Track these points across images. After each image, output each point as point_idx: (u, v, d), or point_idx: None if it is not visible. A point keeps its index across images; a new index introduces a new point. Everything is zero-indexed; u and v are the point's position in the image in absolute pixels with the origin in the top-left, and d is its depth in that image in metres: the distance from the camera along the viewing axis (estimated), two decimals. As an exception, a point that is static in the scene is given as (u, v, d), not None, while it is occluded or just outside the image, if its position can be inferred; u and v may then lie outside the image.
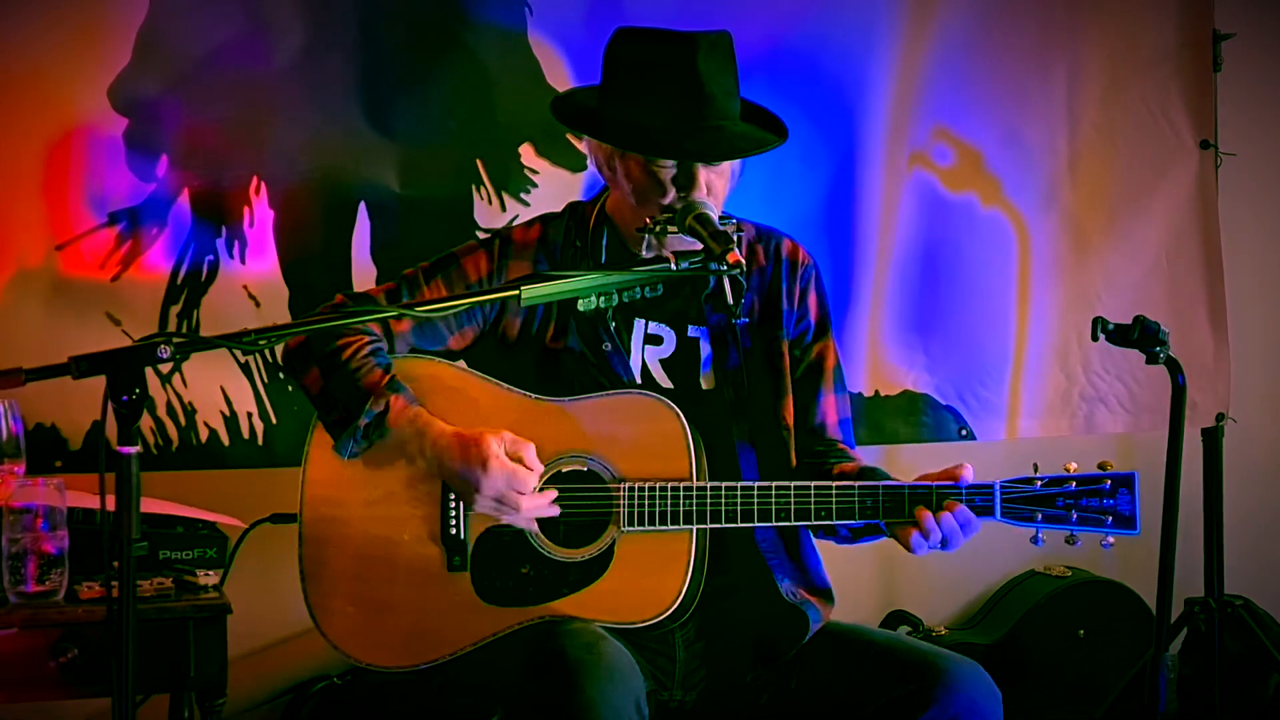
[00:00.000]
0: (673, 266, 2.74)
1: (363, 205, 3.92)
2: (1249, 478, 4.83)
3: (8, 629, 2.96)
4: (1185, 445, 3.44)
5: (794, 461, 3.12)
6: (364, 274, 3.89)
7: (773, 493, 2.90)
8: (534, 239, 3.15)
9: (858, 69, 4.30)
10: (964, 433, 4.46)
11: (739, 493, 2.90)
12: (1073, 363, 4.56)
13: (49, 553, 3.00)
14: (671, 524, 2.90)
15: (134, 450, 2.28)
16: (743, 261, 2.73)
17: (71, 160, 3.70)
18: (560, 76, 4.00)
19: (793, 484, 2.90)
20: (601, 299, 3.05)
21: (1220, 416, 4.57)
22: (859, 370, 4.34)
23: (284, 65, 3.84)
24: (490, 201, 4.00)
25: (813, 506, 2.90)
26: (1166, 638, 3.55)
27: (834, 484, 2.90)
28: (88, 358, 2.29)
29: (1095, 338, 3.35)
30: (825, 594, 3.13)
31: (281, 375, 3.81)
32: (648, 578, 2.90)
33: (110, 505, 2.29)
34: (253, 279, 3.84)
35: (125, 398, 2.28)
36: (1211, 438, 4.47)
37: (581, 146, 3.90)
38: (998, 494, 2.88)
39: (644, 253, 3.03)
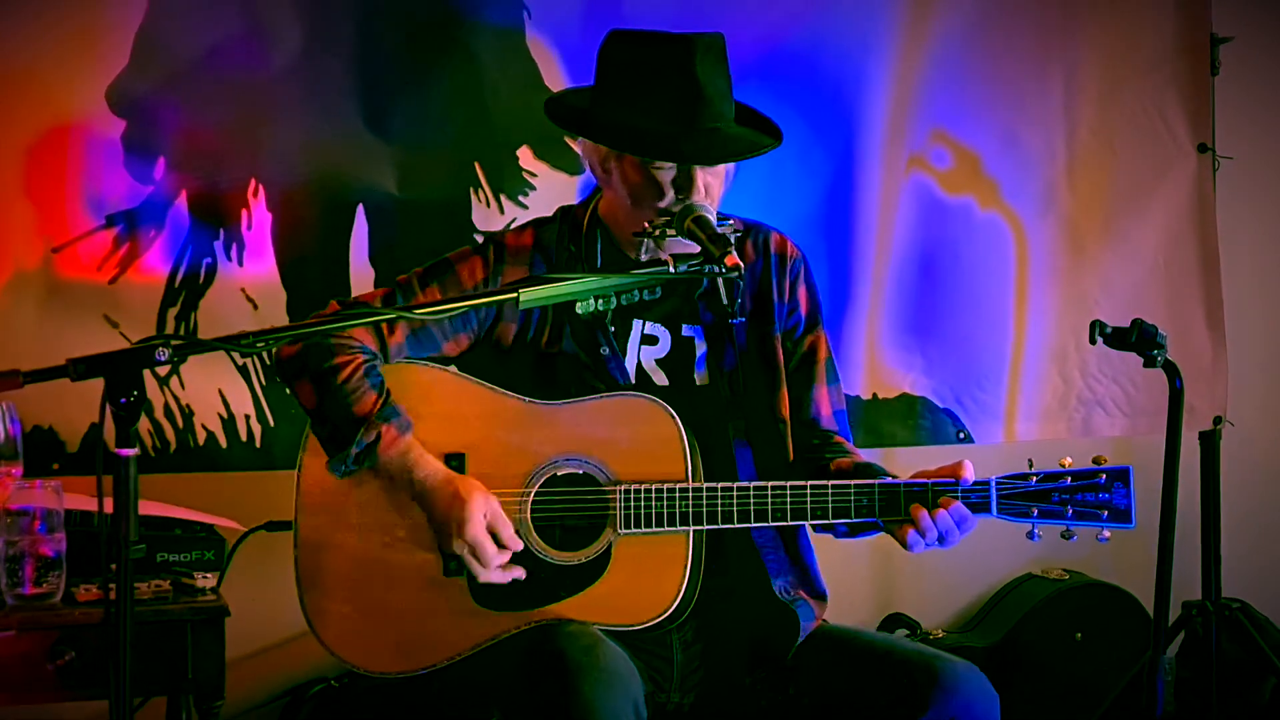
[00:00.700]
0: (671, 269, 2.74)
1: (361, 208, 3.92)
2: (1246, 481, 4.83)
3: (5, 631, 2.96)
4: (1183, 448, 3.44)
5: (791, 455, 3.11)
6: (362, 277, 3.89)
7: (768, 493, 2.90)
8: (528, 244, 3.14)
9: (856, 72, 4.30)
10: (961, 435, 4.46)
11: (735, 493, 2.90)
12: (1070, 366, 4.56)
13: (46, 555, 3.00)
14: (668, 526, 2.90)
15: (132, 452, 2.28)
16: (741, 265, 2.73)
17: (69, 162, 3.70)
18: (558, 79, 4.00)
19: (788, 484, 2.90)
20: (600, 302, 3.05)
21: (1218, 420, 4.57)
22: (857, 373, 4.34)
23: (282, 68, 3.84)
24: (488, 204, 3.99)
25: (809, 506, 2.90)
26: (1164, 641, 3.55)
27: (830, 483, 2.90)
28: (85, 360, 2.28)
29: (1093, 341, 3.35)
30: (819, 593, 3.13)
31: (279, 378, 3.81)
32: (645, 580, 2.90)
33: (108, 507, 2.28)
34: (250, 281, 3.84)
35: (123, 400, 2.28)
36: (1209, 441, 4.47)
37: (577, 148, 3.90)
38: (993, 490, 2.89)
39: (641, 255, 3.03)
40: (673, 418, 2.93)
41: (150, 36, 3.73)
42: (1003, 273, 4.51)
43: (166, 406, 3.77)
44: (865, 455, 3.18)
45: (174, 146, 3.76)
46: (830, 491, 2.90)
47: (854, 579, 4.46)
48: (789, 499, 2.90)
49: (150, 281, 3.77)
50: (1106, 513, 2.90)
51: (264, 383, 3.85)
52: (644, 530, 2.90)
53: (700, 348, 3.12)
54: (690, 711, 3.05)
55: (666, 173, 2.98)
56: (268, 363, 3.84)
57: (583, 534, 2.94)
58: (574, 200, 3.35)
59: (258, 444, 3.85)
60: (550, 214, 3.22)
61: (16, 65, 3.65)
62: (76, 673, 3.01)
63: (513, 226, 3.26)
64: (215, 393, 3.82)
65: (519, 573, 2.92)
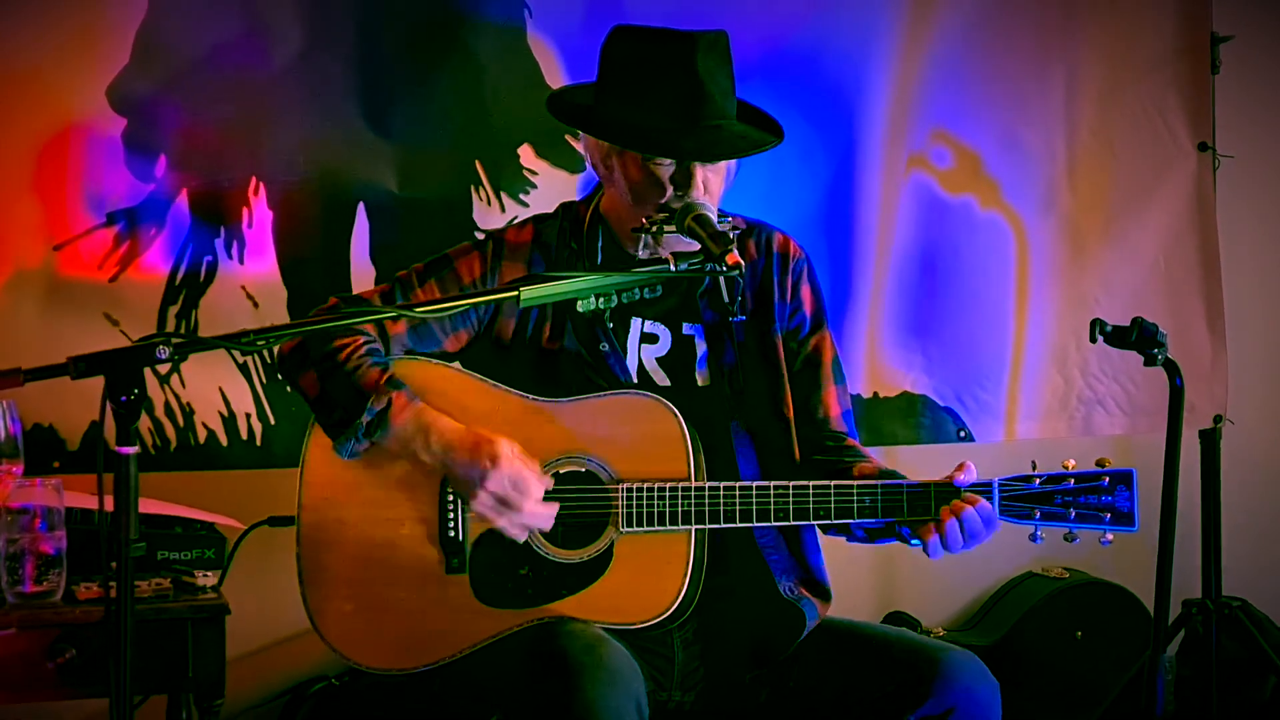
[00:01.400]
0: (671, 268, 2.74)
1: (361, 206, 3.92)
2: (1247, 479, 4.83)
3: (5, 629, 2.96)
4: (1183, 447, 3.44)
5: (797, 453, 3.11)
6: (363, 275, 3.89)
7: (771, 493, 2.90)
8: (527, 240, 3.14)
9: (856, 71, 4.30)
10: (962, 434, 4.46)
11: (737, 493, 2.90)
12: (1071, 365, 4.56)
13: (47, 553, 3.00)
14: (670, 525, 2.90)
15: (132, 450, 2.28)
16: (742, 263, 2.73)
17: (70, 160, 3.70)
18: (559, 77, 4.00)
19: (791, 484, 2.90)
20: (600, 300, 3.04)
21: (1218, 418, 4.57)
22: (857, 372, 4.34)
23: (283, 66, 3.83)
24: (489, 202, 3.99)
25: (811, 506, 2.90)
26: (1164, 639, 3.55)
27: (832, 483, 2.90)
28: (86, 358, 2.28)
29: (1093, 339, 3.35)
30: (823, 591, 3.13)
31: (280, 376, 3.81)
32: (647, 578, 2.90)
33: (108, 506, 2.28)
34: (251, 280, 3.84)
35: (124, 398, 2.28)
36: (1209, 439, 4.47)
37: (579, 146, 3.90)
38: (996, 492, 2.89)
39: (640, 252, 3.03)
40: (675, 416, 2.93)
41: (151, 35, 3.73)
42: (1003, 272, 4.51)
43: (167, 404, 3.77)
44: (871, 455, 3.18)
45: (175, 145, 3.76)
46: (834, 492, 2.90)
47: (855, 577, 4.46)
48: (791, 499, 2.90)
49: (151, 279, 3.77)
50: (1109, 515, 2.90)
51: (264, 381, 3.85)
52: (646, 529, 2.90)
53: (701, 347, 3.12)
54: (691, 710, 3.05)
55: (666, 169, 2.98)
56: (268, 361, 3.84)
57: (585, 532, 2.94)
58: (575, 198, 3.35)
59: (258, 442, 3.85)
60: (551, 210, 3.22)
61: (17, 64, 3.65)
62: (77, 671, 3.01)
63: (513, 223, 3.25)
64: (216, 391, 3.82)
65: (554, 508, 2.90)
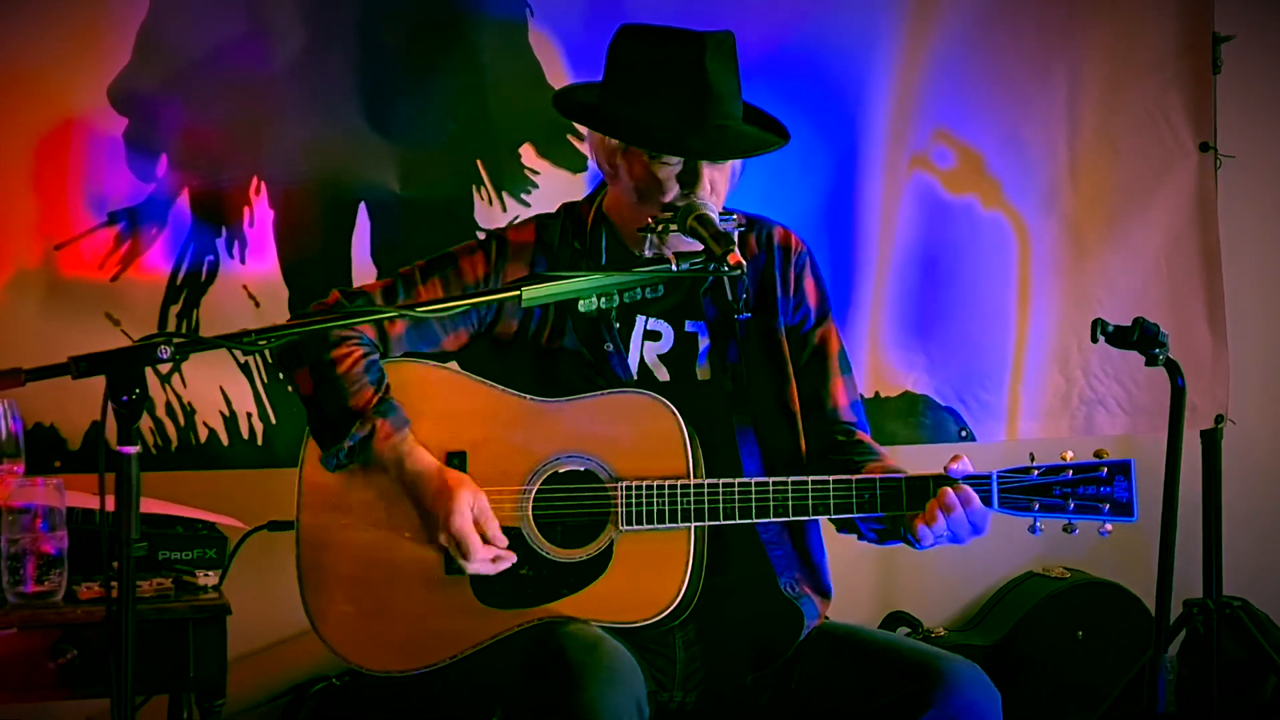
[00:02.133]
0: (674, 267, 2.74)
1: (363, 206, 3.92)
2: (1248, 479, 4.83)
3: (7, 629, 2.96)
4: (1184, 447, 3.44)
5: (803, 447, 3.11)
6: (364, 274, 3.89)
7: (770, 489, 2.90)
8: (530, 240, 3.14)
9: (858, 71, 4.30)
10: (964, 434, 4.46)
11: (736, 489, 2.90)
12: (1072, 364, 4.56)
13: (48, 553, 3.00)
14: (669, 523, 2.90)
15: (133, 450, 2.28)
16: (744, 263, 2.73)
17: (71, 159, 3.70)
18: (561, 76, 4.00)
19: (790, 479, 2.90)
20: (602, 300, 3.05)
21: (1219, 418, 4.57)
22: (859, 371, 4.32)
23: (284, 66, 3.84)
24: (491, 202, 3.99)
25: (810, 502, 2.90)
26: (1165, 639, 3.55)
27: (831, 478, 2.90)
28: (87, 358, 2.29)
29: (1095, 339, 3.35)
30: (824, 589, 3.13)
31: (281, 375, 3.81)
32: (647, 577, 2.90)
33: (109, 505, 2.29)
34: (253, 279, 3.84)
35: (125, 398, 2.28)
36: (1210, 439, 4.47)
37: (582, 147, 3.91)
38: (995, 484, 2.88)
39: (645, 252, 3.03)
40: (673, 414, 2.93)
41: (152, 34, 3.73)
42: (1005, 272, 4.51)
43: (168, 404, 3.77)
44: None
45: (176, 144, 3.76)
46: (832, 487, 2.90)
47: (856, 577, 4.46)
48: (790, 495, 2.90)
49: (152, 279, 3.77)
50: (1108, 506, 2.90)
51: (266, 380, 3.85)
52: (645, 527, 2.90)
53: (703, 342, 3.12)
54: (693, 710, 3.05)
55: (673, 168, 2.98)
56: (269, 361, 3.84)
57: (584, 531, 2.94)
58: (577, 198, 3.34)
59: (259, 442, 3.85)
60: (554, 211, 3.22)
61: (19, 63, 3.65)
62: (78, 671, 3.01)
63: (515, 222, 3.25)
64: (217, 390, 3.82)
65: (507, 562, 2.92)
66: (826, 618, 3.12)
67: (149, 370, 2.32)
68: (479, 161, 3.99)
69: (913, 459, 4.30)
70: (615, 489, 2.92)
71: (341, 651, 2.96)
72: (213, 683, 3.12)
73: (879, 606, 4.64)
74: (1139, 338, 3.33)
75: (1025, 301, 4.52)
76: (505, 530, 2.93)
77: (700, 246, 2.78)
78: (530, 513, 2.95)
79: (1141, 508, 2.92)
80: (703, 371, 3.11)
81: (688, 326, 3.12)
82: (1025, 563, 4.80)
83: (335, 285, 3.62)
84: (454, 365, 3.11)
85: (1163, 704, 3.52)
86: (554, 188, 3.98)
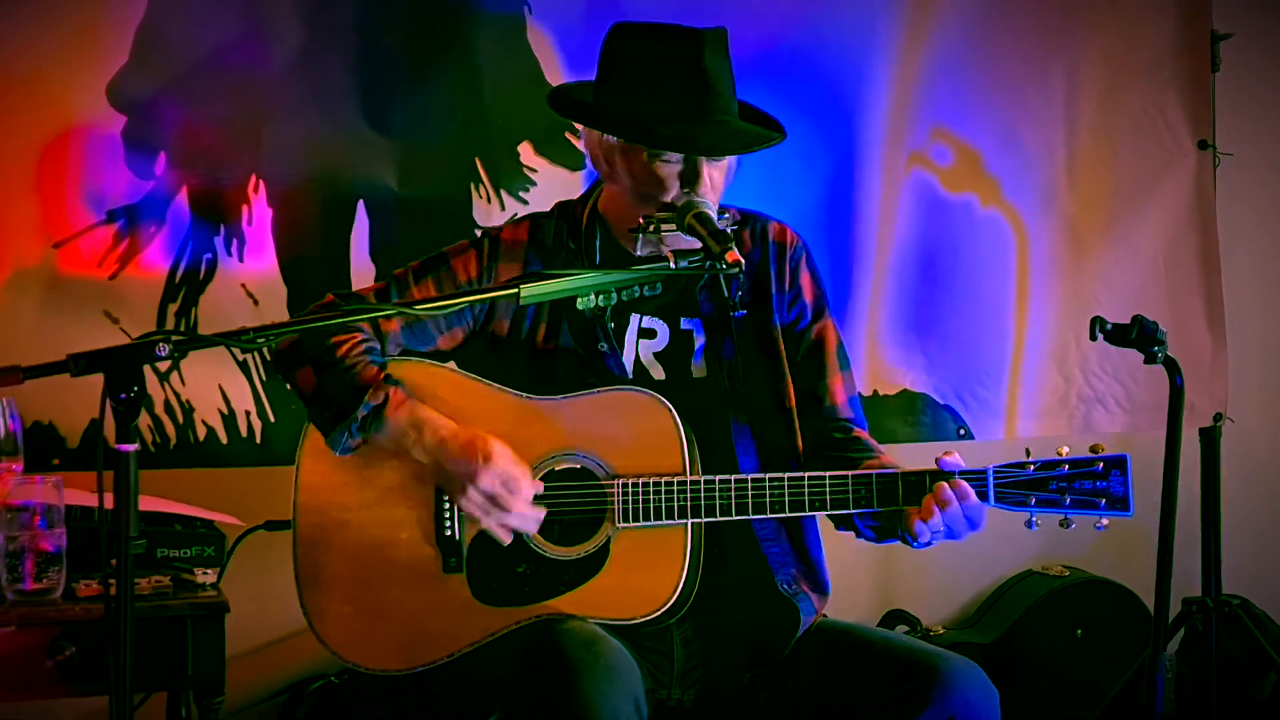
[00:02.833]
0: (672, 265, 2.74)
1: (361, 204, 3.92)
2: (1247, 478, 4.83)
3: (5, 627, 2.96)
4: (1183, 445, 3.44)
5: (800, 444, 3.11)
6: (363, 273, 3.89)
7: (766, 485, 2.90)
8: (524, 239, 3.14)
9: (857, 69, 4.30)
10: (962, 432, 4.46)
11: (732, 486, 2.90)
12: (1071, 363, 4.56)
13: (47, 550, 3.00)
14: (666, 519, 2.90)
15: (132, 448, 2.28)
16: (742, 261, 2.73)
17: (69, 158, 3.71)
18: (559, 74, 4.00)
19: (786, 475, 2.90)
20: (600, 298, 3.04)
21: (1218, 416, 4.57)
22: (857, 370, 4.30)
23: (283, 64, 3.84)
24: (489, 200, 4.00)
25: (806, 498, 2.90)
26: (1164, 637, 3.55)
27: (827, 474, 2.90)
28: (86, 355, 2.29)
29: (1093, 338, 3.35)
30: (821, 586, 3.13)
31: (277, 371, 3.81)
32: (644, 574, 2.90)
33: (108, 503, 2.29)
34: (251, 277, 3.84)
35: (123, 395, 2.28)
36: (1209, 438, 4.47)
37: (579, 144, 3.90)
38: (990, 479, 2.88)
39: (640, 250, 3.02)
40: (669, 411, 2.93)
41: (151, 33, 3.73)
42: (1003, 270, 4.51)
43: (167, 402, 3.78)
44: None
45: (175, 142, 3.77)
46: (829, 483, 2.89)
47: (854, 575, 4.46)
48: (786, 491, 2.90)
49: (151, 277, 3.77)
50: (1104, 500, 2.89)
51: (264, 378, 3.85)
52: (642, 524, 2.90)
53: (699, 340, 3.12)
54: (691, 708, 3.05)
55: (673, 166, 2.97)
56: (268, 359, 3.84)
57: (581, 528, 2.94)
58: (575, 196, 3.34)
59: (258, 440, 3.85)
60: (548, 210, 3.22)
61: (18, 62, 3.65)
62: (77, 668, 3.01)
63: (509, 221, 3.25)
64: (216, 388, 3.82)
65: (542, 512, 2.91)
66: (824, 615, 3.13)
67: (147, 368, 2.32)
68: (477, 160, 3.99)
69: (911, 457, 4.28)
70: (612, 486, 2.92)
71: (339, 650, 2.96)
72: (211, 680, 3.13)
73: (878, 604, 4.64)
74: (1137, 336, 3.33)
75: (1024, 299, 4.52)
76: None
77: (698, 244, 2.77)
78: (528, 510, 2.96)
79: (1140, 506, 2.92)
80: (698, 369, 3.11)
81: (683, 324, 3.11)
82: (1024, 561, 4.80)
83: (334, 283, 3.65)
84: (451, 364, 3.11)
85: (1161, 702, 3.52)
86: (552, 186, 3.98)
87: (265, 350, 3.77)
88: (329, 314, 2.64)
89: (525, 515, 2.89)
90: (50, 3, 3.67)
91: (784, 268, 3.17)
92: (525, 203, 3.99)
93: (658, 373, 3.10)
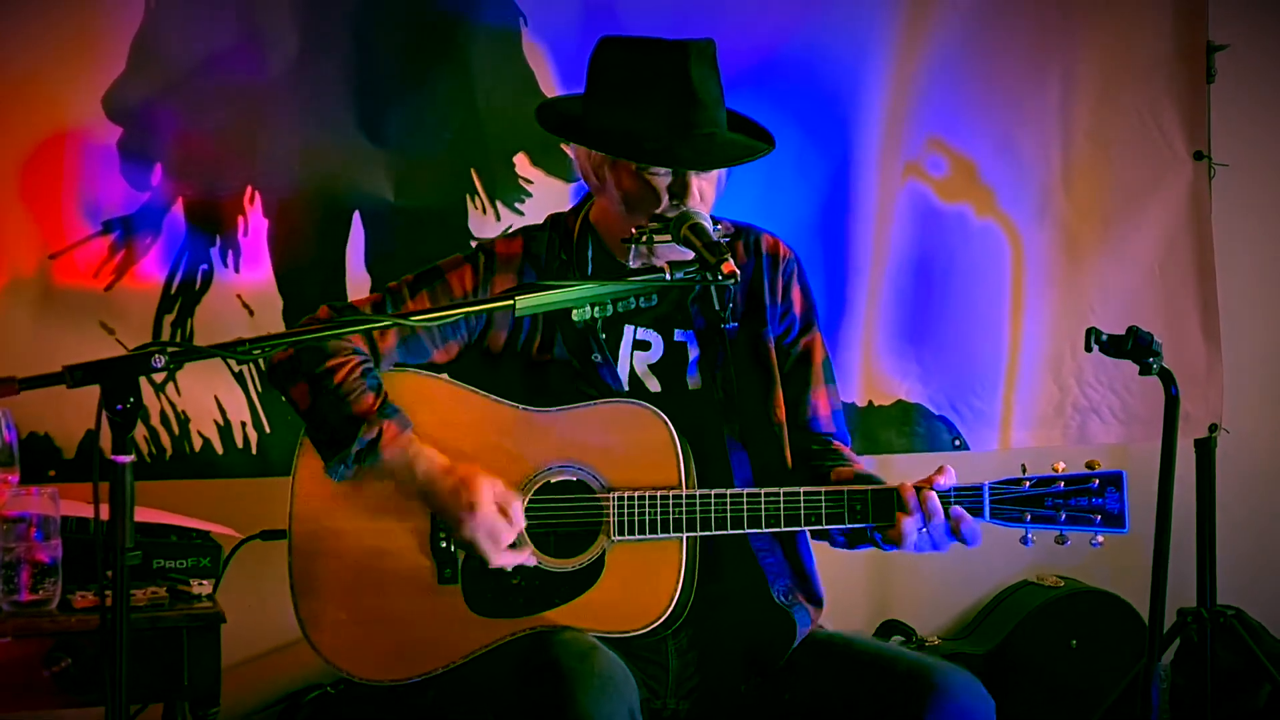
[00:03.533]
0: (667, 276, 2.74)
1: (357, 215, 3.92)
2: (1241, 488, 4.83)
3: (1, 638, 2.96)
4: (1178, 456, 3.44)
5: (789, 459, 3.11)
6: (358, 283, 3.89)
7: (762, 499, 2.90)
8: (518, 251, 3.14)
9: (851, 79, 4.30)
10: (957, 443, 4.46)
11: (728, 500, 2.90)
12: (1066, 373, 4.57)
13: (43, 562, 3.00)
14: (661, 532, 2.90)
15: (128, 459, 2.28)
16: (737, 272, 2.73)
17: (65, 168, 3.70)
18: (554, 85, 4.01)
19: (781, 490, 2.91)
20: (595, 309, 3.04)
21: (1213, 427, 4.58)
22: (852, 380, 4.35)
23: (278, 75, 3.84)
24: (484, 211, 4.00)
25: (802, 512, 2.90)
26: (1159, 648, 3.55)
27: (823, 489, 2.91)
28: (82, 367, 2.28)
29: (1088, 348, 3.36)
30: (817, 597, 3.14)
31: (272, 384, 3.81)
32: (639, 586, 2.90)
33: (104, 514, 2.29)
34: (247, 288, 3.84)
35: (119, 407, 2.28)
36: (1204, 448, 4.46)
37: (570, 153, 3.91)
38: (986, 495, 2.88)
39: (631, 262, 3.02)
40: (665, 424, 2.93)
41: (147, 43, 3.73)
42: (998, 280, 4.51)
43: (163, 413, 3.77)
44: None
45: (170, 153, 3.77)
46: (824, 497, 2.90)
47: (850, 585, 4.46)
48: (783, 505, 2.90)
49: (146, 288, 3.77)
50: (1100, 517, 2.90)
51: (260, 389, 3.85)
52: (637, 537, 2.90)
53: (693, 352, 3.12)
54: (687, 717, 3.05)
55: (662, 178, 2.98)
56: (264, 370, 3.84)
57: (576, 541, 2.94)
58: (570, 206, 3.34)
59: (254, 451, 3.85)
60: (540, 223, 3.22)
61: (13, 71, 3.65)
62: (73, 679, 3.01)
63: (502, 235, 3.25)
64: (211, 399, 3.82)
65: (526, 553, 2.92)
66: (820, 626, 3.13)
67: (143, 379, 2.32)
68: (473, 170, 3.99)
69: (906, 468, 4.33)
70: (607, 499, 2.92)
71: (334, 660, 2.96)
72: (207, 691, 3.12)
73: (873, 615, 4.64)
74: (1133, 347, 3.34)
75: (1018, 310, 4.52)
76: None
77: (690, 255, 2.78)
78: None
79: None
80: (694, 382, 3.11)
81: (676, 335, 3.12)
82: (1019, 571, 4.80)
83: (329, 294, 3.64)
84: (446, 376, 3.11)
85: (1156, 713, 3.52)
86: (547, 197, 3.99)
87: (261, 361, 3.77)
88: (323, 326, 2.64)
89: (504, 563, 2.92)
90: (46, 12, 3.67)
91: (777, 280, 3.17)
92: (521, 214, 3.99)
93: (653, 385, 3.10)
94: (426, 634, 2.94)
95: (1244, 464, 4.84)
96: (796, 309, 3.19)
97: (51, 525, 3.02)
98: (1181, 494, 3.68)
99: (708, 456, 3.02)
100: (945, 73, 4.40)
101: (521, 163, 4.02)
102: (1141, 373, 3.38)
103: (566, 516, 2.94)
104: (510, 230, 3.79)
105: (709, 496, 2.90)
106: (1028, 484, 2.90)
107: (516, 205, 4.01)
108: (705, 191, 3.01)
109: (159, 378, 3.74)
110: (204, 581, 3.20)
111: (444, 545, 2.96)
